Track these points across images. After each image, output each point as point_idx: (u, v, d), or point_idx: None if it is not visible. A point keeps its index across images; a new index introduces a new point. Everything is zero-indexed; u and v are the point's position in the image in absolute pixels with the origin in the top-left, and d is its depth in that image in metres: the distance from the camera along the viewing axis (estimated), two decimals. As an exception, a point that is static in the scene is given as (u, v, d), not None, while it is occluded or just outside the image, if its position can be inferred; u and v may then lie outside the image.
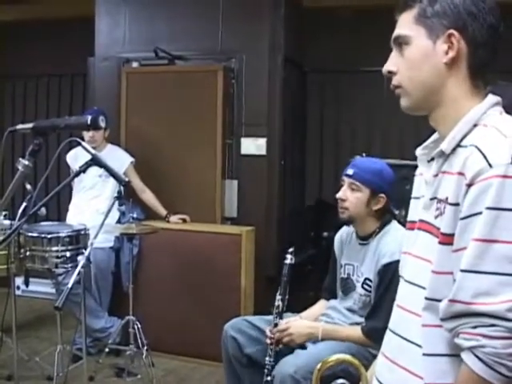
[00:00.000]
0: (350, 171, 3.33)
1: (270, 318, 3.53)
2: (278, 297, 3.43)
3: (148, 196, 5.46)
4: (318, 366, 1.95)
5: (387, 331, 1.78)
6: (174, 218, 5.43)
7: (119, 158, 5.28)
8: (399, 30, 1.67)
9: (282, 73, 5.57)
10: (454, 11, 1.58)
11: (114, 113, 5.71)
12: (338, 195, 3.35)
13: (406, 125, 5.61)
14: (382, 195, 3.28)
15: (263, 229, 5.44)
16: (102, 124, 1.94)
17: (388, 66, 1.70)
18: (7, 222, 4.46)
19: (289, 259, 3.48)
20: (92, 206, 5.27)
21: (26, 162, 1.87)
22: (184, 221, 5.46)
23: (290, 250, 3.51)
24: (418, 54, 1.63)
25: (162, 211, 5.45)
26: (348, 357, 2.01)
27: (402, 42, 1.66)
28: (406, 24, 1.66)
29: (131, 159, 5.42)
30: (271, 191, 5.56)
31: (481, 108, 1.60)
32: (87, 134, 5.14)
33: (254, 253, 5.26)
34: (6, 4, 7.23)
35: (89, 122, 1.89)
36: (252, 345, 3.48)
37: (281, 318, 3.39)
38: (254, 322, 3.56)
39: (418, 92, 1.65)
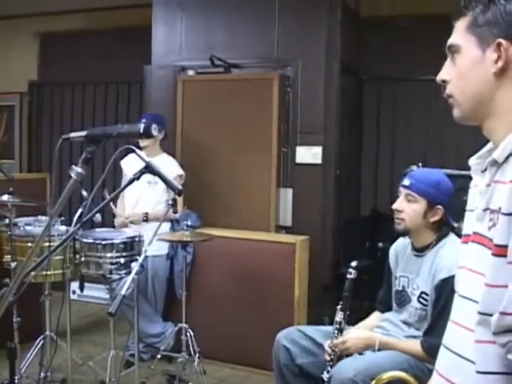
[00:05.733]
0: (406, 182, 3.26)
1: (324, 328, 3.48)
2: (340, 312, 3.32)
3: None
4: (373, 383, 1.91)
5: (441, 347, 1.72)
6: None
7: (168, 169, 4.91)
8: (452, 39, 1.63)
9: (339, 80, 5.53)
10: (506, 19, 1.52)
11: (170, 120, 5.74)
12: (394, 206, 3.28)
13: (464, 134, 5.46)
14: (440, 207, 3.20)
15: (318, 238, 5.41)
16: (155, 132, 1.90)
17: (441, 75, 1.66)
18: (63, 227, 4.52)
19: (352, 274, 3.35)
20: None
21: (79, 170, 1.86)
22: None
23: (353, 264, 3.38)
24: (468, 64, 1.58)
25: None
26: (403, 374, 1.96)
27: (454, 51, 1.62)
28: (458, 32, 1.61)
29: (179, 172, 5.26)
30: (326, 200, 5.52)
31: None
32: (141, 142, 5.14)
33: (309, 262, 5.22)
34: (66, 14, 7.41)
35: (141, 130, 1.87)
36: (304, 356, 3.44)
37: (341, 334, 3.30)
38: (308, 333, 3.51)
39: (468, 103, 1.60)
